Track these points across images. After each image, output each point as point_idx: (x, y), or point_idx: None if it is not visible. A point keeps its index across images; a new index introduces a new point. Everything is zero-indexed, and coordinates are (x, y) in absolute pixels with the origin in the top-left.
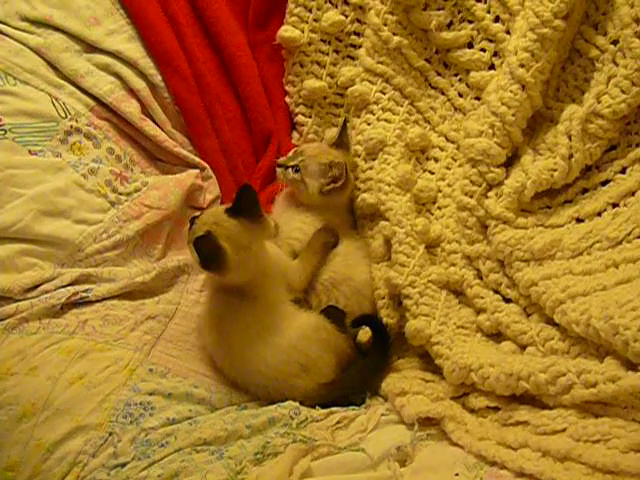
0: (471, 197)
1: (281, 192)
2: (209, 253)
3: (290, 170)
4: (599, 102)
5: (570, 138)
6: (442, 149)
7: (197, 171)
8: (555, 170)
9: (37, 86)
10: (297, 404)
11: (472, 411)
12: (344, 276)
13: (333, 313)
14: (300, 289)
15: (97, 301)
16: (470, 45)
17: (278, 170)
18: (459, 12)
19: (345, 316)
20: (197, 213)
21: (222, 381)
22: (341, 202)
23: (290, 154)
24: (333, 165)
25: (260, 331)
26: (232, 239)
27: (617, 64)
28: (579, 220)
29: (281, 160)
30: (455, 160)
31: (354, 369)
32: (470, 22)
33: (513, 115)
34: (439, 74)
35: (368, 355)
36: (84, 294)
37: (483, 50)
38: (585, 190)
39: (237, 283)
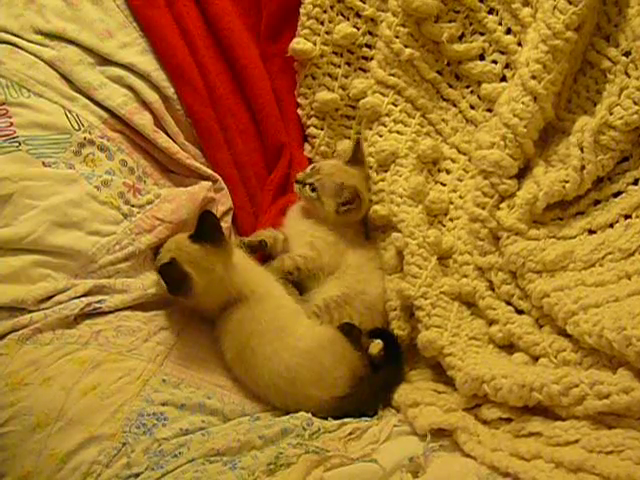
0: (483, 209)
1: (293, 205)
2: (175, 279)
3: (307, 188)
4: (611, 113)
5: (582, 150)
6: (454, 161)
7: (209, 183)
8: (567, 182)
9: (51, 98)
10: (309, 415)
11: (485, 422)
12: (356, 291)
13: (350, 331)
14: None
15: (110, 312)
16: (482, 57)
17: (296, 186)
18: (471, 24)
19: (361, 334)
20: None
21: (235, 392)
22: (357, 219)
23: (308, 170)
24: (345, 187)
25: (278, 330)
26: (195, 263)
27: (629, 75)
28: (591, 232)
29: (299, 176)
30: (467, 172)
31: (367, 385)
32: (482, 34)
33: (525, 127)
34: (451, 86)
35: (381, 372)
36: (97, 305)
37: (495, 62)
38: (597, 202)
39: (211, 307)
